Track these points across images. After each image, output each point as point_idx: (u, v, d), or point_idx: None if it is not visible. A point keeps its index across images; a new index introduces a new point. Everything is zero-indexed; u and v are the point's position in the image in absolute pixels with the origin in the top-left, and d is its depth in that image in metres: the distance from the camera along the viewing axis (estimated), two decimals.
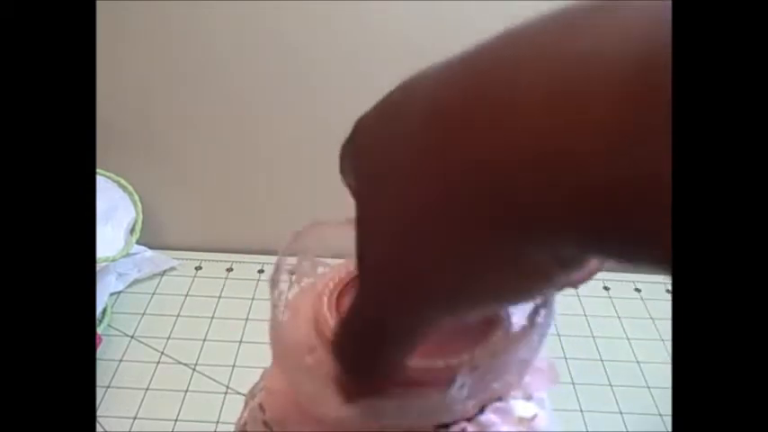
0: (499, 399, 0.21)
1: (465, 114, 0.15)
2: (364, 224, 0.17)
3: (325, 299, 0.23)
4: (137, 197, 0.71)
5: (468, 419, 0.21)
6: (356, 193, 0.18)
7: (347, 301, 0.23)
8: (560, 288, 0.18)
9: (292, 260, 0.24)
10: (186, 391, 0.58)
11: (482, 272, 0.15)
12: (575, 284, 0.19)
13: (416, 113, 0.16)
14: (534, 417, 0.22)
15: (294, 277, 0.25)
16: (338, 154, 0.19)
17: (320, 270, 0.25)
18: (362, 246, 0.17)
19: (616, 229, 0.13)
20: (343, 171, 0.19)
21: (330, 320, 0.22)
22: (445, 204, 0.15)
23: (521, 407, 0.22)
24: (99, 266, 0.63)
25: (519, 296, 0.17)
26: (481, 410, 0.21)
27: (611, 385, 0.61)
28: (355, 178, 0.18)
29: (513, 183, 0.14)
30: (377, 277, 0.17)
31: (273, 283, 0.23)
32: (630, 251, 0.14)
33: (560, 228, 0.14)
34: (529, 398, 0.22)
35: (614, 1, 0.14)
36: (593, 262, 0.19)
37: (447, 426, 0.20)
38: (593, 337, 0.66)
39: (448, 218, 0.15)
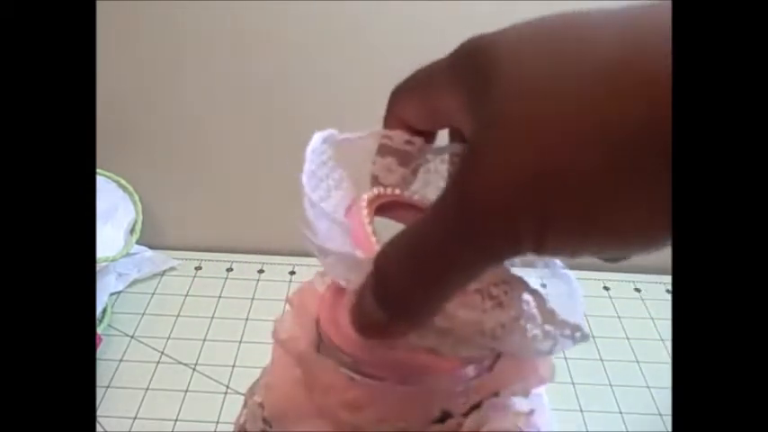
0: (496, 394, 0.21)
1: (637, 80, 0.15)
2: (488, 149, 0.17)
3: (365, 212, 0.23)
4: (137, 197, 0.71)
5: (465, 414, 0.21)
6: (475, 125, 0.17)
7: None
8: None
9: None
10: (186, 391, 0.58)
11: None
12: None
13: (592, 71, 0.16)
14: (531, 412, 0.22)
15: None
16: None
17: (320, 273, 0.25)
18: (472, 184, 0.17)
19: None
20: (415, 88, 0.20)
21: (372, 238, 0.22)
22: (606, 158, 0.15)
23: (518, 402, 0.22)
24: (99, 266, 0.63)
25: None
26: (478, 405, 0.21)
27: (611, 385, 0.61)
28: (476, 102, 0.17)
29: None
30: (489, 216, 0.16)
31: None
32: None
33: None
34: (526, 394, 0.22)
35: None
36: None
37: (443, 420, 0.20)
38: (594, 337, 0.66)
39: (604, 168, 0.15)
